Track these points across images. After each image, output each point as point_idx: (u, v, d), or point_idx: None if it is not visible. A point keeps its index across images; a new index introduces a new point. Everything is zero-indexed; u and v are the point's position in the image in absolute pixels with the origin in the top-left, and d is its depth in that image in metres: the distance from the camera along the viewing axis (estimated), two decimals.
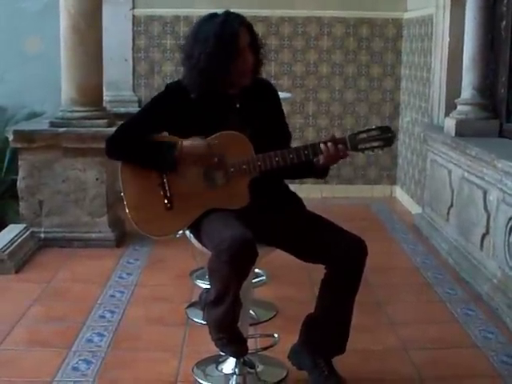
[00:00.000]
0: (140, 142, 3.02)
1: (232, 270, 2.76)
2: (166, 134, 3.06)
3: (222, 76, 3.00)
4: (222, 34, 2.95)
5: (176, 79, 3.25)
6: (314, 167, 3.02)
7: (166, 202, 3.00)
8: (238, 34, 2.98)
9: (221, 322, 2.90)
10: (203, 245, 3.04)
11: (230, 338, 2.92)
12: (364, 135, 2.96)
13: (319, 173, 3.08)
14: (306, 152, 2.96)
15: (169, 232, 3.09)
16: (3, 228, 5.07)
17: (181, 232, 3.19)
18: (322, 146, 2.94)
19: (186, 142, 2.97)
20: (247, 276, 2.86)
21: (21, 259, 4.75)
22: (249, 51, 3.01)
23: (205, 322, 3.00)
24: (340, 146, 2.94)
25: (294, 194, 3.20)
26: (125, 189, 3.06)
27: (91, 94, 5.14)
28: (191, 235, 3.15)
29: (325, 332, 3.05)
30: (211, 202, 2.99)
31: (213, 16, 3.03)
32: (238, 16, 3.02)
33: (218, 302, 2.86)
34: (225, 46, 2.94)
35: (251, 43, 3.02)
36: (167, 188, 3.00)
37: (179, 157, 2.96)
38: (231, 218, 2.90)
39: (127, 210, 3.05)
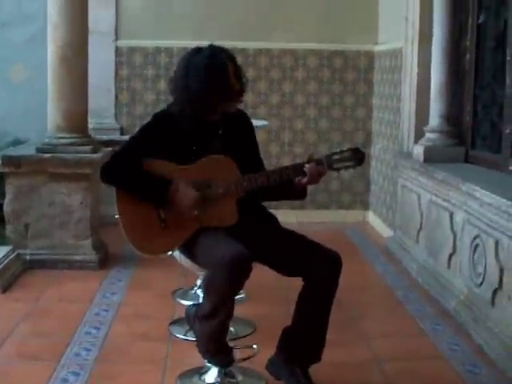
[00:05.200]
0: (134, 171, 3.20)
1: (230, 284, 2.99)
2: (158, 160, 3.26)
3: (215, 103, 3.24)
4: (212, 65, 3.20)
5: (162, 108, 3.46)
6: (294, 188, 3.26)
7: (160, 222, 3.21)
8: (227, 64, 3.23)
9: (215, 334, 3.12)
10: (197, 262, 3.26)
11: (218, 348, 3.16)
12: (338, 156, 3.25)
13: (299, 193, 3.32)
14: (287, 172, 3.21)
15: (164, 250, 3.31)
16: None
17: (170, 252, 3.40)
18: (305, 168, 3.18)
19: (180, 186, 3.16)
20: (241, 289, 3.09)
21: (7, 280, 4.86)
22: (234, 80, 3.26)
23: (186, 337, 3.20)
24: (320, 166, 3.20)
25: (270, 214, 3.43)
26: (121, 210, 3.24)
27: (77, 121, 5.30)
28: (181, 255, 3.37)
29: (301, 341, 3.22)
30: (203, 220, 3.20)
31: (199, 50, 3.28)
32: (222, 49, 3.29)
33: (213, 314, 3.06)
34: (216, 75, 3.20)
35: (235, 73, 3.27)
36: (161, 210, 3.21)
37: (170, 195, 3.17)
38: (223, 235, 3.12)
39: (123, 231, 3.23)
